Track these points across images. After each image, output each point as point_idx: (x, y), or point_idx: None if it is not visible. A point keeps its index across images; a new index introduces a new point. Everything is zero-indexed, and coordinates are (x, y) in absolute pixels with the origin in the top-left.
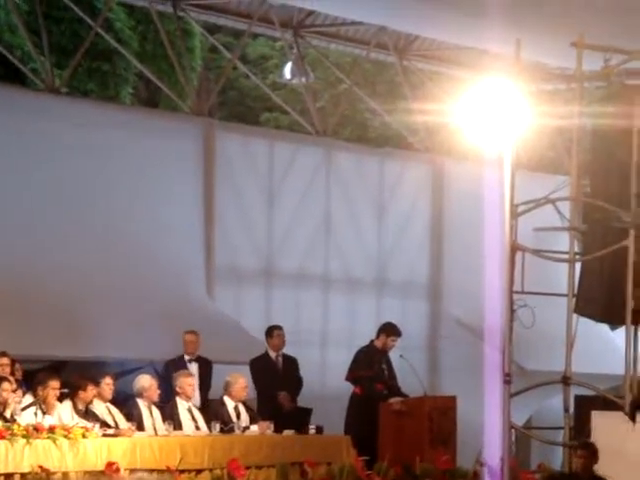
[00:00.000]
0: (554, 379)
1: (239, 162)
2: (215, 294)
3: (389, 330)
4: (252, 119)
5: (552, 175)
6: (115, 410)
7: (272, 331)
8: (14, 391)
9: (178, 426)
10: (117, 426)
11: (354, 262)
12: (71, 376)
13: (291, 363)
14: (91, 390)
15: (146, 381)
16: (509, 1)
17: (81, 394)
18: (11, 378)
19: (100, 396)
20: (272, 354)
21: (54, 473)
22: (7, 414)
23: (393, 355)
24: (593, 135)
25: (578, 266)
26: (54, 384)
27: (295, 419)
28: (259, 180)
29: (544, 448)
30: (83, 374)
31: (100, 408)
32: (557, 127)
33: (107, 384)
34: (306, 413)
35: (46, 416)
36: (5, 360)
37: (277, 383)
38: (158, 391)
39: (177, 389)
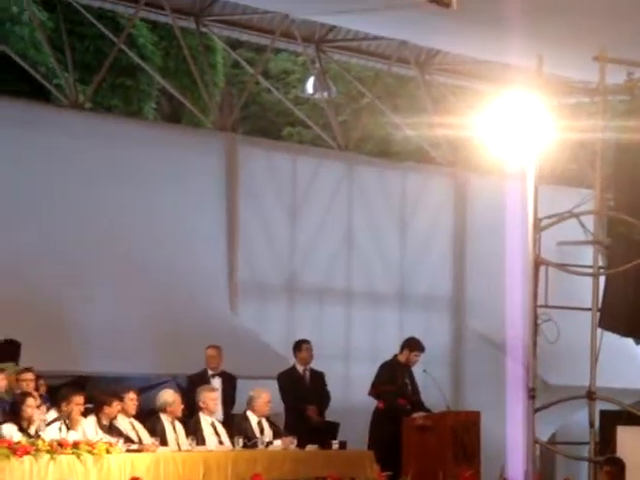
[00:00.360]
0: (579, 394)
1: (262, 177)
2: (238, 309)
3: (412, 345)
4: (274, 134)
5: (575, 189)
6: (139, 425)
7: (301, 345)
8: (38, 407)
9: (201, 441)
10: (141, 441)
11: (377, 276)
12: (95, 391)
13: (319, 378)
14: (116, 406)
15: (170, 396)
16: (531, 15)
17: (106, 409)
18: (35, 393)
19: (124, 411)
20: (300, 368)
21: None
22: (32, 430)
23: (416, 370)
24: (617, 148)
25: (602, 280)
26: (78, 399)
27: (323, 433)
28: (282, 195)
29: (569, 463)
30: (107, 389)
31: (124, 423)
32: (580, 140)
33: (131, 399)
34: (334, 427)
35: (70, 431)
36: (30, 376)
37: (304, 397)
38: (182, 406)
39: (200, 404)
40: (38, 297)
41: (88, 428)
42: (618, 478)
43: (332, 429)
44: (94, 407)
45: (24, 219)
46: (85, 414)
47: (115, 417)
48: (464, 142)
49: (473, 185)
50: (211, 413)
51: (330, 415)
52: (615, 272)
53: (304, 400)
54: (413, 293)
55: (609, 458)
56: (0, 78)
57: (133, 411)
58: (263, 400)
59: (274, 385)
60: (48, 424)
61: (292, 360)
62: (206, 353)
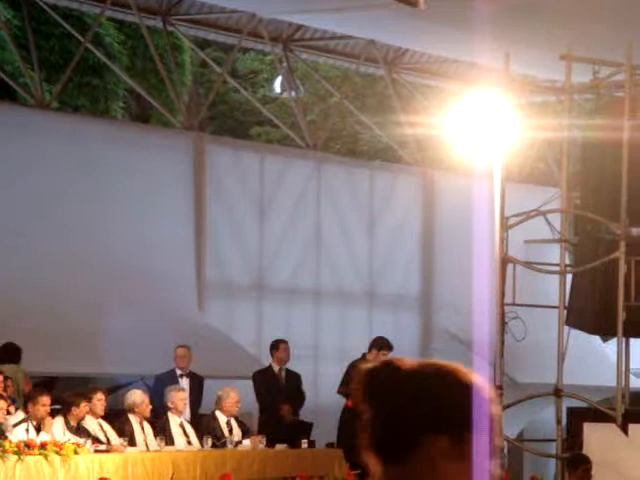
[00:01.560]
0: (546, 391)
1: (230, 176)
2: (206, 308)
3: (380, 344)
4: (242, 133)
5: (542, 187)
6: (107, 426)
7: (278, 344)
8: (8, 407)
9: (170, 441)
10: (109, 442)
11: (345, 275)
12: (63, 392)
13: (294, 378)
14: (84, 407)
15: (138, 397)
16: (498, 14)
17: (74, 410)
18: (4, 394)
19: (92, 412)
20: (275, 367)
21: None
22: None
23: None
24: (583, 147)
25: (569, 278)
26: (44, 400)
27: (296, 432)
28: (250, 194)
29: (537, 460)
30: (76, 391)
31: (92, 424)
32: (547, 139)
33: (99, 400)
34: (307, 427)
35: (41, 432)
36: None
37: (279, 396)
38: (150, 406)
39: (169, 404)
40: (1, 294)
41: (56, 429)
42: (590, 475)
43: (305, 429)
44: (62, 408)
45: None
46: (53, 415)
47: (83, 418)
48: (432, 141)
49: (441, 184)
50: (179, 413)
51: (299, 413)
52: (582, 270)
53: (278, 399)
54: (382, 292)
55: (581, 456)
56: None
57: (101, 412)
58: (232, 400)
59: (242, 384)
60: (15, 425)
61: (261, 359)
62: (176, 352)
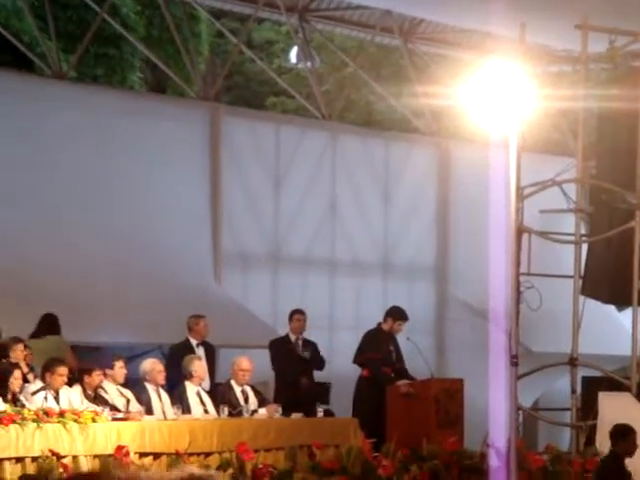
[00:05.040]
0: (561, 361)
1: (245, 146)
2: (222, 279)
3: (395, 314)
4: (258, 103)
5: (558, 157)
6: (126, 390)
7: (292, 315)
8: (25, 375)
9: (187, 410)
10: (128, 405)
11: (360, 246)
12: (80, 361)
13: (309, 346)
14: (97, 375)
15: (148, 364)
16: None
17: (86, 379)
18: (23, 363)
19: (112, 379)
20: (292, 337)
21: (64, 457)
22: (20, 398)
23: (400, 337)
24: (599, 117)
25: (584, 247)
26: (61, 370)
27: (314, 396)
28: (265, 164)
29: (552, 429)
30: (89, 359)
31: (111, 390)
32: (562, 109)
33: (120, 367)
34: (325, 388)
35: (59, 400)
36: (20, 346)
37: (295, 365)
38: (163, 373)
39: (192, 373)
40: (21, 268)
41: (74, 397)
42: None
43: (324, 390)
44: (78, 377)
45: (3, 190)
46: (71, 383)
47: (98, 386)
48: (447, 111)
49: (456, 154)
50: (198, 382)
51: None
52: (597, 239)
53: (294, 367)
54: (397, 262)
55: (628, 426)
56: None
57: (121, 379)
58: (237, 367)
59: (258, 354)
60: (34, 393)
61: (277, 329)
62: (198, 323)
